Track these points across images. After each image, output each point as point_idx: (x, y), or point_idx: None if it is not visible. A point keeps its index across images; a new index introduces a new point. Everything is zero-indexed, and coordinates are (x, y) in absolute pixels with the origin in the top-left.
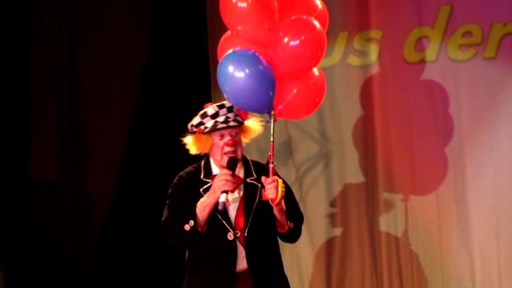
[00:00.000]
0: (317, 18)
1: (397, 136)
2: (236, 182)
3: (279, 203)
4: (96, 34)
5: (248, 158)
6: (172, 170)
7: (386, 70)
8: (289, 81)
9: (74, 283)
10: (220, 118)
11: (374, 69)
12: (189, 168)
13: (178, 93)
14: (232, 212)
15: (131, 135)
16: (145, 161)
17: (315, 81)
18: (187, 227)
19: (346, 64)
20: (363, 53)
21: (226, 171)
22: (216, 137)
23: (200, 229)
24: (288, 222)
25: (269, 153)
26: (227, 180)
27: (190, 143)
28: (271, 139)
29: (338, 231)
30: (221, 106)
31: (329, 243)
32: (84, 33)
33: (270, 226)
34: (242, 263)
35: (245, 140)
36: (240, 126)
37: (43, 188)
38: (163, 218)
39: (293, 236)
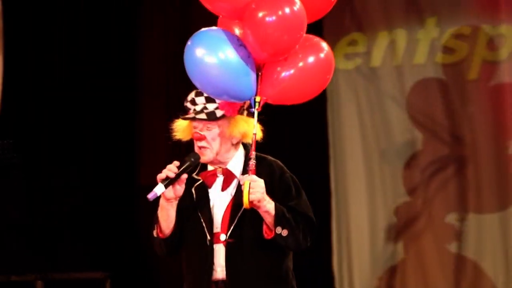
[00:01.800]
0: None
1: None
2: (228, 180)
3: (258, 207)
4: None
5: (255, 152)
6: None
7: None
8: (275, 62)
9: None
10: (198, 107)
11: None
12: None
13: None
14: (218, 213)
15: None
16: None
17: (312, 62)
18: (154, 233)
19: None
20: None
21: (176, 161)
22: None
23: (161, 235)
24: (279, 228)
25: (252, 148)
26: (167, 170)
27: (176, 126)
28: (254, 131)
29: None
30: (198, 94)
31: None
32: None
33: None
34: (221, 272)
35: (236, 136)
36: (211, 121)
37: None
38: None
39: (286, 244)
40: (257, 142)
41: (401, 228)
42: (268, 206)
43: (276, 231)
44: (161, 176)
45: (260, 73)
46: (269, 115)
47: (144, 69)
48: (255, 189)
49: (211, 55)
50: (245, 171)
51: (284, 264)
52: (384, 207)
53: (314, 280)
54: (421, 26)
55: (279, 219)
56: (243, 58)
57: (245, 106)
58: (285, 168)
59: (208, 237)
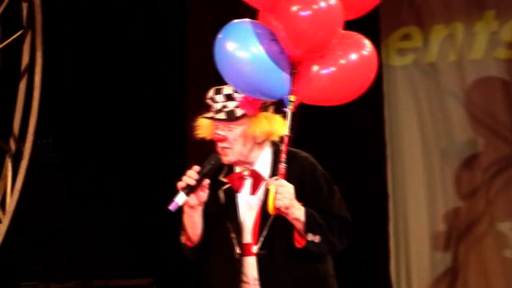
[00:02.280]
0: None
1: None
2: (256, 183)
3: (285, 214)
4: None
5: (286, 148)
6: None
7: None
8: (311, 59)
9: None
10: (217, 105)
11: None
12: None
13: None
14: (248, 221)
15: None
16: None
17: (354, 60)
18: (182, 239)
19: None
20: None
21: (196, 167)
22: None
23: (188, 243)
24: (310, 234)
25: (282, 151)
26: (187, 177)
27: (198, 124)
28: (286, 132)
29: None
30: (217, 91)
31: None
32: None
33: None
34: (254, 286)
35: (259, 136)
36: (230, 121)
37: None
38: None
39: (320, 250)
40: (298, 140)
41: (462, 232)
42: (298, 213)
43: (308, 239)
44: (181, 184)
45: (295, 71)
46: (322, 115)
47: (193, 66)
48: (283, 195)
49: (242, 49)
50: (273, 172)
51: (321, 271)
52: (444, 210)
53: (371, 286)
54: (478, 19)
55: (310, 225)
56: (276, 54)
57: (268, 102)
58: (317, 165)
59: (238, 250)
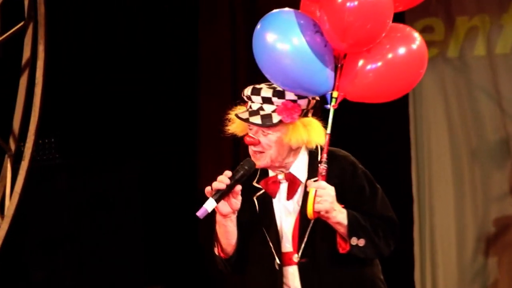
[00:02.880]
0: None
1: None
2: (293, 187)
3: (326, 218)
4: None
5: (327, 148)
6: None
7: None
8: (357, 53)
9: None
10: (254, 106)
11: None
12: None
13: None
14: (287, 229)
15: None
16: None
17: (403, 54)
18: (215, 251)
19: None
20: None
21: (227, 171)
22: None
23: (222, 254)
24: (354, 238)
25: (323, 150)
26: (218, 182)
27: (231, 118)
28: (327, 131)
29: None
30: (256, 91)
31: None
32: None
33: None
34: None
35: (294, 145)
36: (266, 127)
37: None
38: None
39: (365, 255)
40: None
41: (494, 238)
42: (340, 216)
43: (352, 243)
44: (210, 189)
45: (339, 65)
46: (342, 112)
47: (207, 60)
48: (323, 198)
49: (283, 41)
50: (310, 174)
51: (368, 274)
52: (474, 215)
53: None
54: (504, 10)
55: (353, 228)
56: (319, 46)
57: (309, 108)
58: (357, 163)
59: (278, 261)
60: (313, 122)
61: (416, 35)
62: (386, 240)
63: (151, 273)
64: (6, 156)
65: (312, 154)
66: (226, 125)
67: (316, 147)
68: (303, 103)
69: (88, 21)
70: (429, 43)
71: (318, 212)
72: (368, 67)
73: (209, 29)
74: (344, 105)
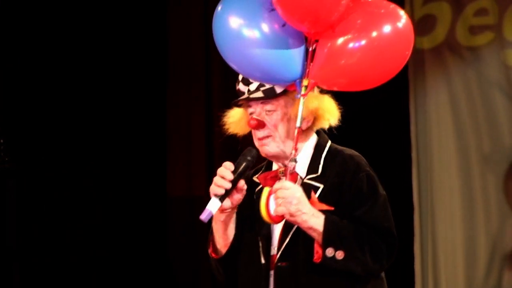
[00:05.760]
0: None
1: None
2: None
3: (294, 222)
4: None
5: (329, 143)
6: None
7: None
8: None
9: None
10: (252, 86)
11: None
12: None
13: None
14: (277, 231)
15: None
16: None
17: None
18: (209, 250)
19: None
20: None
21: (228, 163)
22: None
23: (214, 254)
24: (330, 249)
25: (292, 146)
26: (220, 179)
27: (228, 117)
28: (297, 124)
29: None
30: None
31: None
32: None
33: None
34: None
35: (305, 116)
36: (270, 99)
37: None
38: None
39: (346, 268)
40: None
41: (508, 252)
42: (313, 221)
43: (326, 254)
44: (214, 189)
45: (311, 50)
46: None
47: (176, 54)
48: (286, 199)
49: (244, 26)
50: (310, 170)
51: None
52: (485, 227)
53: None
54: None
55: (330, 237)
56: (280, 28)
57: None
58: (363, 164)
59: (263, 261)
60: (325, 97)
61: (402, 13)
62: (376, 255)
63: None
64: None
65: (318, 147)
66: (224, 128)
67: (325, 139)
68: None
69: (45, 12)
70: (481, 28)
71: (281, 216)
72: (343, 49)
73: (178, 13)
74: (342, 105)
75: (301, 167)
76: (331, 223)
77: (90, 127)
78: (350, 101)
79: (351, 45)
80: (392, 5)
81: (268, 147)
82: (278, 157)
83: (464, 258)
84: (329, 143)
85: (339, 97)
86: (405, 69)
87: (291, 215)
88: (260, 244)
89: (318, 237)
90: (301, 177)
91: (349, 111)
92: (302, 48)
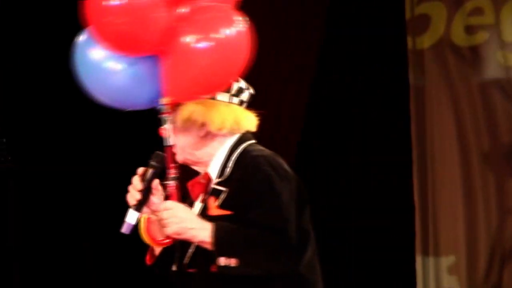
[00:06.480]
0: None
1: None
2: (200, 186)
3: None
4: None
5: (243, 145)
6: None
7: None
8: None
9: None
10: None
11: None
12: None
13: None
14: None
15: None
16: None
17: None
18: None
19: None
20: None
21: (140, 170)
22: None
23: (148, 262)
24: (223, 259)
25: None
26: (132, 189)
27: None
28: (167, 142)
29: None
30: None
31: None
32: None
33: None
34: None
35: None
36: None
37: None
38: None
39: (245, 274)
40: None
41: (508, 252)
42: (202, 234)
43: (219, 263)
44: (129, 200)
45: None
46: (338, 111)
47: None
48: (169, 220)
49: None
50: (221, 173)
51: None
52: (486, 227)
53: None
54: None
55: (221, 247)
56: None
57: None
58: (262, 165)
59: (174, 268)
60: (215, 102)
61: (235, 15)
62: (271, 256)
63: None
64: None
65: (232, 150)
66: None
67: (243, 141)
68: None
69: (45, 12)
70: (476, 28)
71: (169, 237)
72: (184, 60)
73: None
74: (341, 104)
75: (213, 172)
76: (222, 232)
77: (90, 127)
78: (350, 101)
79: (191, 54)
80: (222, 7)
81: (177, 156)
82: (190, 165)
83: (466, 258)
84: (245, 144)
85: (341, 97)
86: (405, 68)
87: (177, 234)
88: (177, 249)
89: (211, 247)
90: (210, 181)
91: (349, 111)
92: (155, 68)
